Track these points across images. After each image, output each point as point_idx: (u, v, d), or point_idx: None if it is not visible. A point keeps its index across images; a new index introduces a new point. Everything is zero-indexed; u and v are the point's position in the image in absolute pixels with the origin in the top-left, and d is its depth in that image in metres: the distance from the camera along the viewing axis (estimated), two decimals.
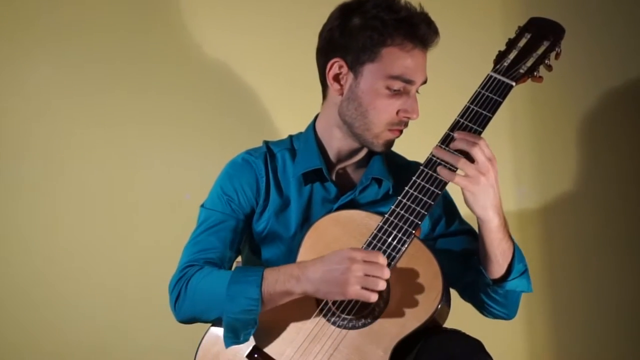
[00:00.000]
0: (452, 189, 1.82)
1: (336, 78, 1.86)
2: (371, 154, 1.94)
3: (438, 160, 1.73)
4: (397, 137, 1.88)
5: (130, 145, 2.67)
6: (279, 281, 1.70)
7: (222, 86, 2.68)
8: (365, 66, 1.82)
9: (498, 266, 1.78)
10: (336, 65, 1.85)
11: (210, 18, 2.66)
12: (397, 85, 1.81)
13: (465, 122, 1.74)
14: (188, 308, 1.79)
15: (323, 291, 1.67)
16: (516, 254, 1.80)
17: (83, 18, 2.61)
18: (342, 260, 1.64)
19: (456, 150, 1.70)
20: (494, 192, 1.69)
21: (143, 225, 2.67)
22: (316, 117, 1.97)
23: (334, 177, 1.93)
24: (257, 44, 2.67)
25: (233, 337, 1.74)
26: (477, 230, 1.81)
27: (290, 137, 2.00)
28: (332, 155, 1.93)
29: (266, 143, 1.98)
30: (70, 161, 2.64)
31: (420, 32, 1.81)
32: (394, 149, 1.95)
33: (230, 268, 1.92)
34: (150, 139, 2.68)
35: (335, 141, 1.92)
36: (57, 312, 2.64)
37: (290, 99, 2.63)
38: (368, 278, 1.63)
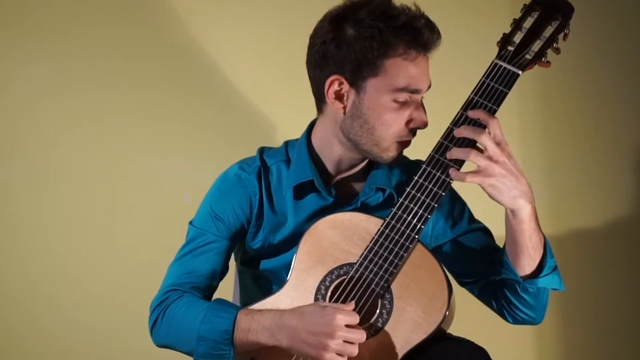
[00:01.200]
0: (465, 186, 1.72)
1: (338, 96, 1.73)
2: (372, 162, 1.83)
3: (441, 159, 1.63)
4: (407, 146, 1.77)
5: (125, 144, 2.59)
6: (251, 330, 1.64)
7: (220, 83, 2.60)
8: (368, 81, 1.70)
9: (529, 261, 1.67)
10: (336, 83, 1.72)
11: (208, 13, 2.59)
12: (403, 97, 1.69)
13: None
14: (163, 336, 1.75)
15: (297, 349, 1.62)
16: (547, 248, 1.69)
17: (75, 12, 2.54)
18: (327, 324, 1.57)
19: (462, 141, 1.61)
20: (516, 178, 1.58)
21: (139, 228, 2.60)
22: (311, 125, 1.86)
23: (333, 188, 1.82)
24: (257, 41, 2.60)
25: None
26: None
27: (286, 144, 1.89)
28: (330, 166, 1.82)
29: (260, 153, 1.87)
30: (62, 162, 2.57)
31: (423, 38, 1.68)
32: None
33: (215, 288, 1.85)
34: (146, 138, 2.60)
35: (335, 155, 1.81)
36: (49, 317, 2.58)
37: (290, 98, 2.49)
38: (347, 345, 1.58)
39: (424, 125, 1.72)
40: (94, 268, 2.59)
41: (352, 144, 1.76)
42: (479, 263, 1.80)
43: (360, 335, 1.58)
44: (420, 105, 1.73)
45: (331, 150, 1.80)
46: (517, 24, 1.67)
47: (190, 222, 1.86)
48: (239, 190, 1.83)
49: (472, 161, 1.59)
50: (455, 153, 1.61)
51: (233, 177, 1.84)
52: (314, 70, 1.76)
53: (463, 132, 1.60)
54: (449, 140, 1.64)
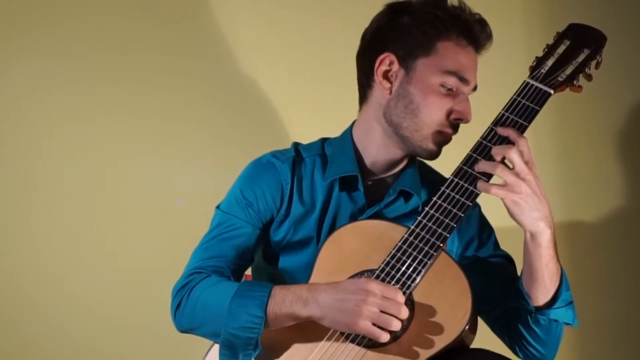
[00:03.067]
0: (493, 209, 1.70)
1: (385, 75, 1.76)
2: (406, 167, 1.83)
3: (469, 171, 1.63)
4: (448, 141, 1.77)
5: (116, 145, 2.51)
6: (286, 301, 1.59)
7: (219, 82, 2.54)
8: (418, 60, 1.73)
9: (544, 290, 1.64)
10: (387, 60, 1.75)
11: (206, 7, 2.54)
12: (452, 82, 1.72)
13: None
14: (187, 318, 1.68)
15: (330, 319, 1.55)
16: (564, 280, 1.66)
17: (64, 5, 2.49)
18: (358, 291, 1.53)
19: (490, 157, 1.61)
20: (539, 200, 1.57)
21: (131, 234, 2.52)
22: (353, 123, 1.87)
23: (364, 188, 1.81)
24: (258, 39, 2.54)
25: (230, 357, 1.63)
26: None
27: (322, 141, 1.89)
28: (368, 163, 1.82)
29: (295, 145, 1.88)
30: (50, 163, 2.49)
31: (474, 30, 1.74)
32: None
33: (241, 277, 1.81)
34: (139, 139, 2.52)
35: (373, 148, 1.81)
36: (42, 324, 2.49)
37: (295, 99, 2.51)
38: (382, 315, 1.52)
39: (468, 117, 1.73)
40: (82, 275, 2.49)
41: (393, 128, 1.76)
42: (496, 290, 1.76)
43: (398, 307, 1.52)
44: (466, 99, 1.74)
45: (371, 140, 1.80)
46: (550, 49, 1.72)
47: (218, 207, 1.82)
48: (271, 177, 1.80)
49: (499, 175, 1.58)
50: (483, 166, 1.60)
51: (266, 164, 1.83)
52: (364, 56, 1.80)
53: (493, 150, 1.60)
54: (477, 153, 1.64)
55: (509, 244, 1.86)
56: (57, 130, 2.49)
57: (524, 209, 1.57)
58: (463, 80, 1.72)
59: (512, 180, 1.56)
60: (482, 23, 1.75)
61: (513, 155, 1.57)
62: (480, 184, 1.59)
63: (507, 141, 1.62)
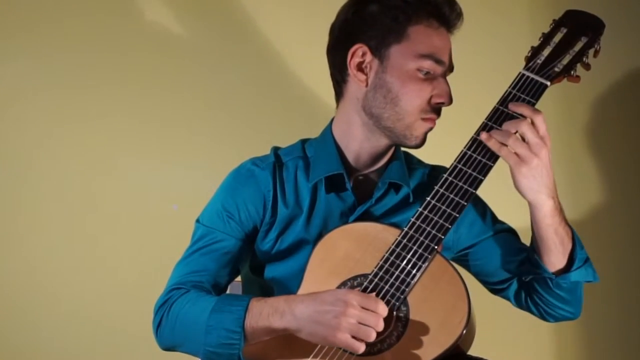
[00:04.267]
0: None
1: (359, 67, 1.72)
2: (391, 159, 1.79)
3: (464, 169, 1.59)
4: (432, 127, 1.73)
5: (109, 148, 2.47)
6: (262, 314, 1.55)
7: (216, 83, 2.50)
8: (391, 48, 1.69)
9: (558, 255, 1.65)
10: (359, 52, 1.71)
11: (201, 6, 2.51)
12: (428, 65, 1.68)
13: (494, 126, 1.60)
14: (168, 336, 1.65)
15: (307, 331, 1.52)
16: (576, 241, 1.67)
17: (55, 3, 2.45)
18: (337, 302, 1.49)
19: (485, 153, 1.58)
20: (547, 173, 1.57)
21: (124, 240, 2.48)
22: (332, 120, 1.83)
23: (351, 185, 1.77)
24: (257, 40, 2.50)
25: None
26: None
27: (302, 142, 1.85)
28: (351, 160, 1.78)
29: (275, 150, 1.83)
30: (42, 168, 2.46)
31: (443, 11, 1.69)
32: (415, 152, 1.82)
33: (225, 291, 1.78)
34: (132, 142, 2.48)
35: (355, 143, 1.76)
36: (32, 331, 2.46)
37: (294, 102, 2.47)
38: (361, 327, 1.49)
39: (448, 98, 1.69)
40: (72, 282, 2.46)
41: (374, 121, 1.72)
42: (509, 265, 1.77)
43: (376, 319, 1.48)
44: (445, 81, 1.71)
45: (352, 135, 1.76)
46: (546, 38, 1.66)
47: (198, 220, 1.79)
48: (251, 186, 1.76)
49: (511, 146, 1.56)
50: (495, 135, 1.57)
51: (246, 173, 1.78)
52: (335, 51, 1.76)
53: (504, 124, 1.57)
54: (473, 150, 1.60)
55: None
56: (48, 133, 2.45)
57: (530, 182, 1.57)
58: (439, 62, 1.68)
59: (524, 154, 1.54)
60: (451, 2, 1.70)
61: (526, 129, 1.54)
62: (493, 143, 1.56)
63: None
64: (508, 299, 1.80)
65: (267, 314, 1.55)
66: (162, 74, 2.48)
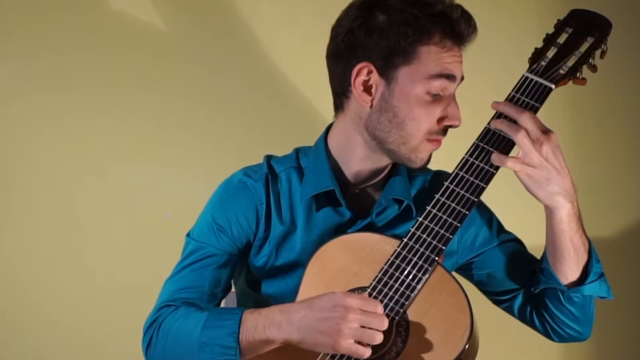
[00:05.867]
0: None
1: (365, 87, 1.62)
2: (391, 173, 1.73)
3: (466, 176, 1.53)
4: (437, 148, 1.66)
5: (100, 152, 2.42)
6: (258, 327, 1.50)
7: (210, 85, 2.46)
8: (399, 70, 1.59)
9: (572, 266, 1.58)
10: (364, 71, 1.60)
11: (199, 8, 2.46)
12: (438, 85, 1.59)
13: (497, 131, 1.55)
14: (159, 355, 1.59)
15: (308, 342, 1.47)
16: (592, 253, 1.60)
17: (44, 2, 2.41)
18: (336, 308, 1.44)
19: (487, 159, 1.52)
20: (557, 172, 1.49)
21: (114, 250, 2.43)
22: (327, 130, 1.75)
23: (349, 200, 1.70)
24: (253, 40, 2.45)
25: None
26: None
27: (297, 151, 1.78)
28: (349, 175, 1.71)
29: (268, 159, 1.76)
30: (28, 170, 2.42)
31: (459, 28, 1.59)
32: None
33: (218, 305, 1.72)
34: (124, 145, 2.43)
35: (356, 160, 1.69)
36: (18, 343, 2.41)
37: (294, 105, 2.41)
38: (364, 330, 1.44)
39: (458, 121, 1.62)
40: (58, 294, 2.41)
41: (377, 142, 1.65)
42: (515, 276, 1.71)
43: (380, 320, 1.43)
44: (454, 101, 1.63)
45: (352, 153, 1.69)
46: (550, 39, 1.61)
47: (188, 234, 1.73)
48: (243, 199, 1.70)
49: (519, 144, 1.48)
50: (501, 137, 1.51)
51: (237, 184, 1.72)
52: (337, 61, 1.66)
53: (499, 126, 1.51)
54: (474, 157, 1.54)
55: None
56: (35, 135, 2.41)
57: (540, 182, 1.50)
58: (449, 77, 1.60)
59: (527, 150, 1.47)
60: (466, 17, 1.60)
61: (519, 138, 1.48)
62: (495, 156, 1.50)
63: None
64: (511, 311, 1.74)
65: (262, 326, 1.49)
66: (154, 74, 2.43)
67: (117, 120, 2.43)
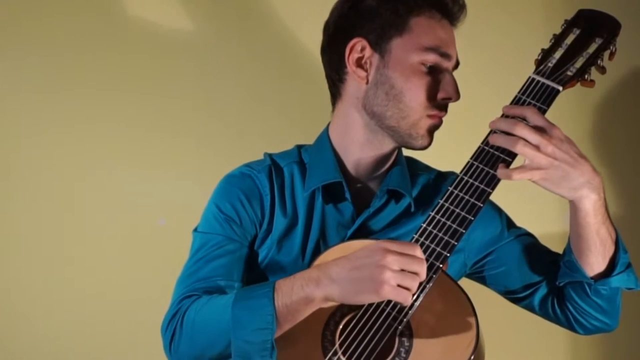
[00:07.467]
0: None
1: (359, 63, 1.63)
2: (393, 166, 1.70)
3: (470, 180, 1.49)
4: (438, 125, 1.63)
5: (91, 155, 2.34)
6: (294, 288, 1.44)
7: (205, 86, 2.40)
8: (392, 41, 1.60)
9: (598, 258, 1.55)
10: (358, 46, 1.62)
11: (195, 9, 2.41)
12: (432, 59, 1.59)
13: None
14: (187, 347, 1.52)
15: (351, 292, 1.41)
16: (619, 243, 1.57)
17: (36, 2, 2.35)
18: (373, 253, 1.40)
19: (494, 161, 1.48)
20: (571, 165, 1.44)
21: (104, 259, 2.35)
22: (327, 126, 1.74)
23: (350, 195, 1.68)
24: (250, 39, 2.40)
25: None
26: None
27: (298, 148, 1.76)
28: (350, 166, 1.69)
29: (269, 155, 1.74)
30: (19, 175, 2.34)
31: (445, 2, 1.61)
32: (421, 158, 1.76)
33: None
34: (116, 149, 2.35)
35: (356, 147, 1.68)
36: (16, 348, 2.35)
37: (289, 108, 2.37)
38: (405, 274, 1.38)
39: (456, 93, 1.61)
40: (45, 304, 2.33)
41: (376, 121, 1.64)
42: (533, 269, 1.69)
43: (419, 263, 1.39)
44: (451, 75, 1.62)
45: (352, 139, 1.67)
46: (557, 40, 1.58)
47: (195, 229, 1.69)
48: (248, 187, 1.68)
49: (521, 153, 1.45)
50: (500, 141, 1.45)
51: (240, 175, 1.70)
52: (331, 47, 1.67)
53: (498, 125, 1.47)
54: (479, 161, 1.50)
55: None
56: (26, 138, 2.34)
57: (558, 181, 1.46)
58: (444, 55, 1.60)
59: (532, 156, 1.43)
60: None
61: (519, 129, 1.44)
62: (500, 171, 1.46)
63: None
64: (532, 307, 1.70)
65: (299, 286, 1.44)
66: (148, 77, 2.38)
67: (109, 124, 2.36)
